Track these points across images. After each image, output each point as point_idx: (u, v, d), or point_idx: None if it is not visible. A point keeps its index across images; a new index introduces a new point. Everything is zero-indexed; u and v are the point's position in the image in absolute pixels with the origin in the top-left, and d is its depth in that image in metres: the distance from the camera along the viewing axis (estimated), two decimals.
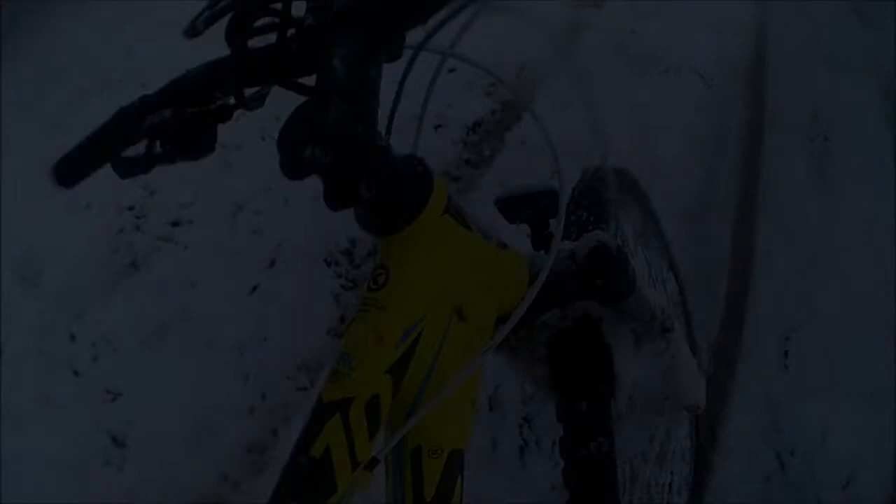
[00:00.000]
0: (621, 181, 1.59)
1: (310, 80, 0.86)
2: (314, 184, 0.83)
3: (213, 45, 0.88)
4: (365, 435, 0.85)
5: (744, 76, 3.57)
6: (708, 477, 2.18)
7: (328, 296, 2.44)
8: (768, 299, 2.61)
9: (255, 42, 0.88)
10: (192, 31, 0.86)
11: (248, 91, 0.90)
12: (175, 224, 2.75)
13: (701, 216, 2.80)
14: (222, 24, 0.86)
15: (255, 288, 2.56)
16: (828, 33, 3.98)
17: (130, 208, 2.80)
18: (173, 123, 0.88)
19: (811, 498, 2.15)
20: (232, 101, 0.90)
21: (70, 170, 0.96)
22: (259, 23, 0.87)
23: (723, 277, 2.63)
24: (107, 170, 0.91)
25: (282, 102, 0.88)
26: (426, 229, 0.91)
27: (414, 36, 0.88)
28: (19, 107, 3.21)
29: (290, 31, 0.88)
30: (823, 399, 2.34)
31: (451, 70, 1.08)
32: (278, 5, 0.87)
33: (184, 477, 2.19)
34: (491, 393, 2.20)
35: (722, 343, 2.47)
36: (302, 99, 0.81)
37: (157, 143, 0.89)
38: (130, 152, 0.90)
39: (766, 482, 2.18)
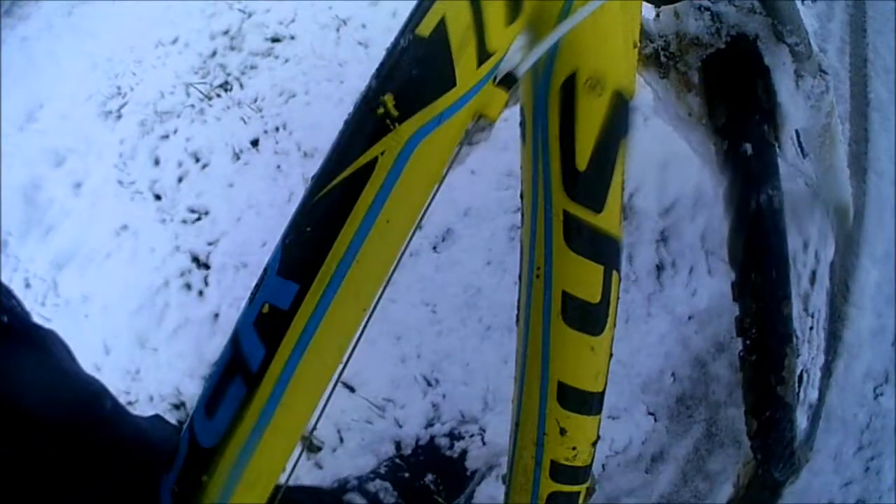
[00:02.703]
0: None
1: None
2: None
3: None
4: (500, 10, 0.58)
5: None
6: (842, 328, 1.82)
7: None
8: (885, 152, 2.20)
9: None
10: None
11: None
12: (274, 40, 2.33)
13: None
14: None
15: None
16: None
17: (225, 32, 2.39)
18: None
19: None
20: None
21: None
22: None
23: (845, 121, 2.20)
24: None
25: None
26: None
27: None
28: None
29: None
30: None
31: None
32: None
33: None
34: (625, 200, 1.76)
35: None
36: None
37: None
38: None
39: None
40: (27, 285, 2.05)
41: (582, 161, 0.69)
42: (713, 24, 1.03)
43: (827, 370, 1.72)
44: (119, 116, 2.32)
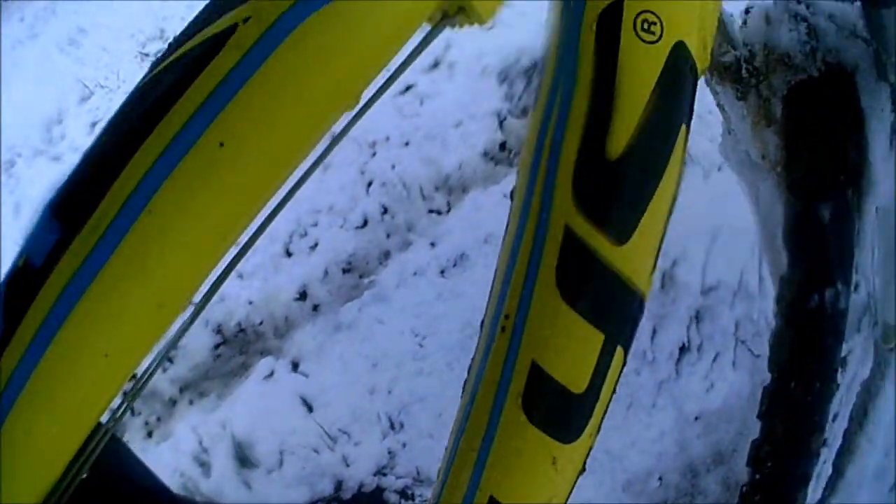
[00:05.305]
0: None
1: None
2: None
3: None
4: None
5: None
6: (847, 464, 1.52)
7: (492, 116, 1.68)
8: None
9: None
10: None
11: None
12: None
13: None
14: None
15: (407, 88, 1.79)
16: None
17: None
18: None
19: None
20: None
21: None
22: None
23: None
24: None
25: None
26: None
27: None
28: None
29: None
30: None
31: None
32: None
33: (256, 293, 1.56)
34: (667, 268, 1.44)
35: None
36: None
37: None
38: None
39: None
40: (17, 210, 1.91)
41: (616, 144, 0.40)
42: (808, 41, 0.82)
43: None
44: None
